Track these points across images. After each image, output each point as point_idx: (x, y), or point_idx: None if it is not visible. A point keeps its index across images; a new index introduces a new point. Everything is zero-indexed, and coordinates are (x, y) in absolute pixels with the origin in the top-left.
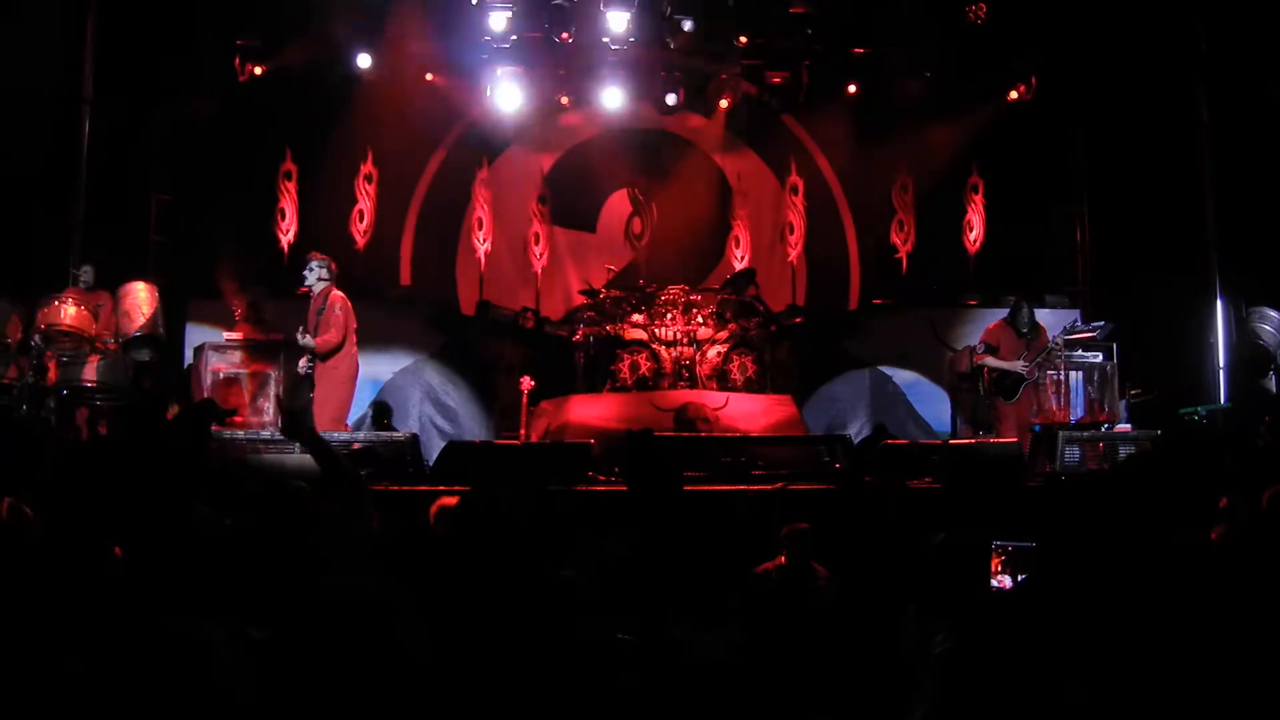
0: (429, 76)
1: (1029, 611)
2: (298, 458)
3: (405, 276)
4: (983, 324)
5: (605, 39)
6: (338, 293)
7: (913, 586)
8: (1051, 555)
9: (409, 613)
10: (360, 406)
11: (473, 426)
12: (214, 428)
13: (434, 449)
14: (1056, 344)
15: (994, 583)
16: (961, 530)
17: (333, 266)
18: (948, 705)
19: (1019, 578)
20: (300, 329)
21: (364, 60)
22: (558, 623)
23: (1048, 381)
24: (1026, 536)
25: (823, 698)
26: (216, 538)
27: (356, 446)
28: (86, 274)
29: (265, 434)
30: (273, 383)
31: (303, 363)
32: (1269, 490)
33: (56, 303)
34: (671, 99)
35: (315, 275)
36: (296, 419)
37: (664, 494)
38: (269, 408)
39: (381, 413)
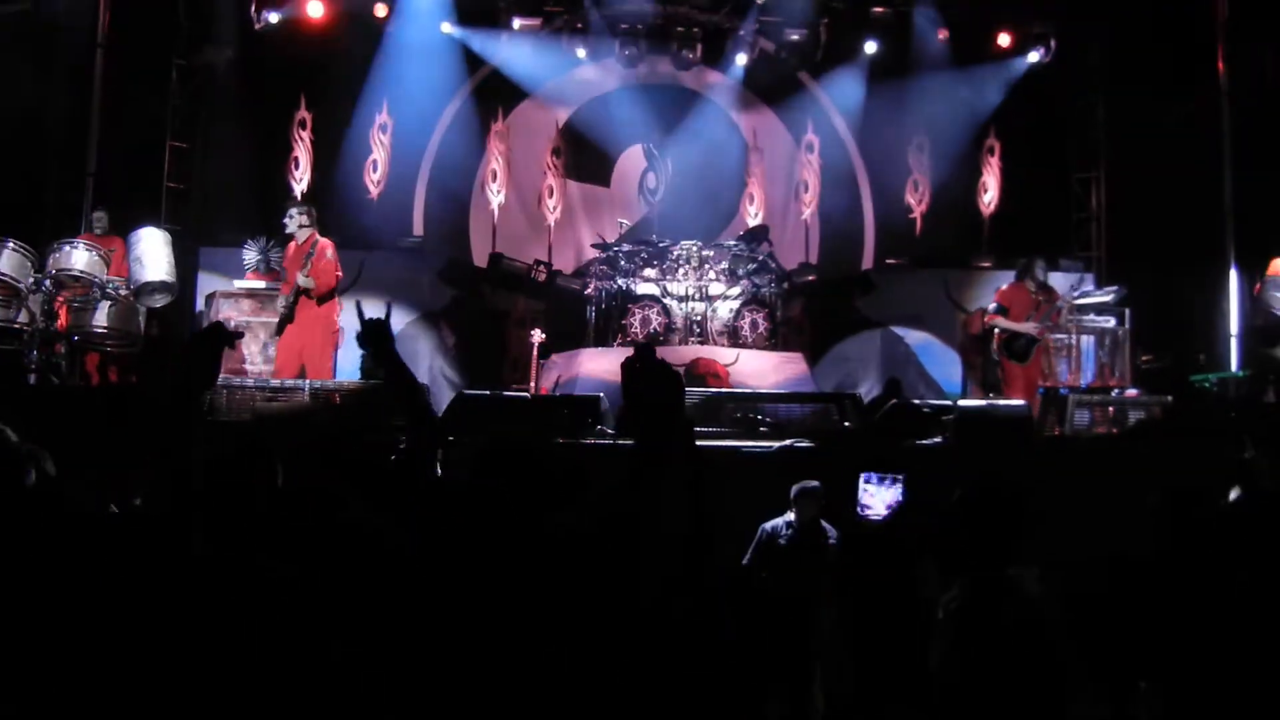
0: (445, 27)
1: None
2: (306, 403)
3: (418, 227)
4: (996, 286)
5: None
6: (324, 239)
7: (927, 542)
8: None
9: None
10: None
11: (483, 378)
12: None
13: (444, 401)
14: (1066, 303)
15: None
16: (977, 486)
17: (312, 213)
18: (963, 661)
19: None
20: (300, 272)
21: (380, 9)
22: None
23: (1059, 345)
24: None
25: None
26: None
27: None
28: (100, 219)
29: (274, 382)
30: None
31: (281, 301)
32: None
33: (68, 248)
34: (689, 54)
35: (296, 222)
36: (378, 328)
37: (664, 415)
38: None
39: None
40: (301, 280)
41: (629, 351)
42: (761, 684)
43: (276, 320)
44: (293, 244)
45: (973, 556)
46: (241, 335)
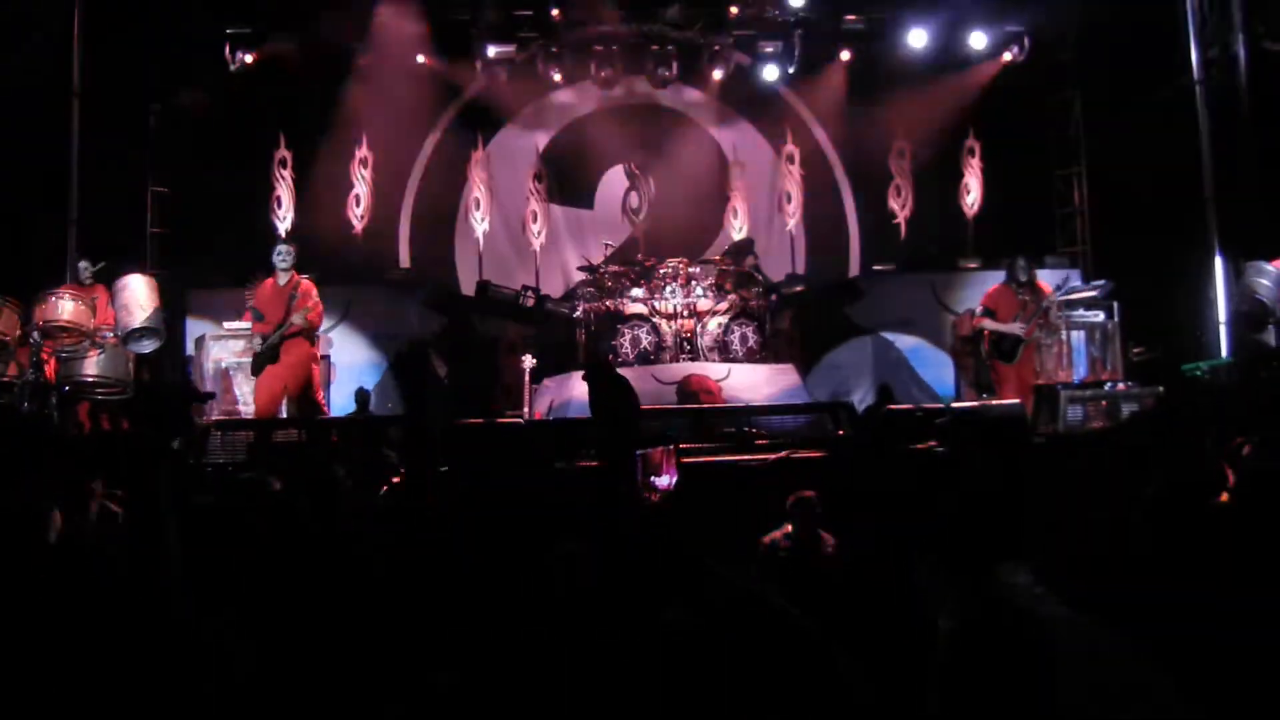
0: (421, 58)
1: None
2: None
3: (404, 259)
4: (983, 287)
5: (597, 14)
6: (305, 278)
7: (924, 549)
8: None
9: None
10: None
11: (476, 407)
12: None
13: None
14: (1053, 302)
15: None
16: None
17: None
18: (963, 677)
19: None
20: (298, 314)
21: (355, 44)
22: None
23: (1051, 342)
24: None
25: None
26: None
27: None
28: (86, 269)
29: (269, 421)
30: None
31: (259, 340)
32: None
33: (53, 298)
34: (665, 72)
35: (291, 260)
36: None
37: (622, 421)
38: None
39: (385, 395)
40: (299, 320)
41: (620, 372)
42: (763, 695)
43: (252, 359)
44: (269, 283)
45: (967, 558)
46: (213, 396)
